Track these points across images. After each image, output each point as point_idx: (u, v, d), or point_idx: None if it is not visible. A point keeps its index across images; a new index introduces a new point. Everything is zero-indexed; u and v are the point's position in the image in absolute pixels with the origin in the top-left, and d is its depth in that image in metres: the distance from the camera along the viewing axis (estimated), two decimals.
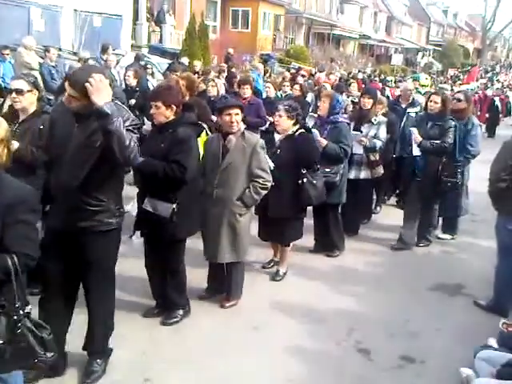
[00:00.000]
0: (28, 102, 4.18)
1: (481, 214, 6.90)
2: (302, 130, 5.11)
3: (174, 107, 3.98)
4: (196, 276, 4.91)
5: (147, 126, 5.23)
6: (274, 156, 4.92)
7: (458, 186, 6.16)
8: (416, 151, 6.05)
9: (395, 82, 18.31)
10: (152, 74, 11.45)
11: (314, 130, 5.46)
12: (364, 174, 6.41)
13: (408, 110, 7.64)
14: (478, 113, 15.60)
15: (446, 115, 6.11)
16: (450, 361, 4.01)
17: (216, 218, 4.44)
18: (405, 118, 7.50)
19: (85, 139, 3.12)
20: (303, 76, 14.42)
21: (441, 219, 6.91)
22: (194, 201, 4.19)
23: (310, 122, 5.85)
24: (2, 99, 5.50)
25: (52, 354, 2.67)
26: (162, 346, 4.05)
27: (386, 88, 14.89)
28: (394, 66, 38.15)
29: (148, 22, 20.93)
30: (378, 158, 6.49)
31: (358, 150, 6.30)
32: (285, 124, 5.05)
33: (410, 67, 42.05)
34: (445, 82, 23.68)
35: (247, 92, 7.40)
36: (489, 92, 20.03)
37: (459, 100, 6.48)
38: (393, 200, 8.37)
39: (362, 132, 6.40)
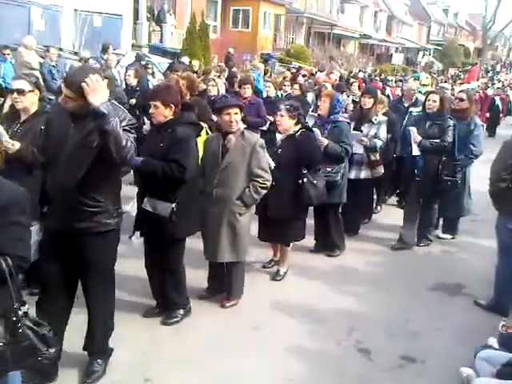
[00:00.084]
0: (29, 102, 4.18)
1: (481, 213, 6.89)
2: (304, 130, 5.11)
3: (173, 107, 3.98)
4: (196, 276, 4.91)
5: (147, 125, 5.24)
6: (274, 155, 4.92)
7: (458, 185, 6.15)
8: (415, 151, 6.05)
9: (396, 82, 18.29)
10: (152, 74, 11.45)
11: (315, 130, 5.46)
12: (364, 174, 6.41)
13: (410, 110, 7.63)
14: (479, 112, 15.58)
15: (445, 114, 6.12)
16: (450, 360, 4.01)
17: (216, 218, 4.44)
18: (406, 118, 7.49)
19: (81, 139, 3.11)
20: (304, 76, 14.42)
21: (441, 219, 6.91)
22: (193, 200, 4.19)
23: (310, 122, 5.85)
24: (3, 99, 5.50)
25: (54, 349, 2.69)
26: (163, 346, 4.05)
27: (387, 87, 14.90)
28: (395, 66, 38.12)
29: (148, 22, 20.93)
30: (378, 158, 6.49)
31: (359, 149, 6.30)
32: (286, 124, 5.05)
33: (410, 67, 42.04)
34: (445, 82, 23.62)
35: (248, 92, 7.40)
36: (489, 91, 20.00)
37: (461, 100, 6.47)
38: (393, 200, 8.37)
39: (362, 131, 6.40)
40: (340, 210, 6.07)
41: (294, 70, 18.40)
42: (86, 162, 3.11)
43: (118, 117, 3.00)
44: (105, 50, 11.54)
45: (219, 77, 10.65)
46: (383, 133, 6.49)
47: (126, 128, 3.08)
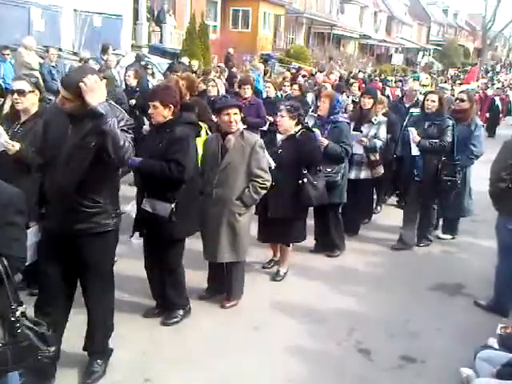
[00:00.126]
0: (30, 103, 4.17)
1: (481, 213, 6.89)
2: (304, 130, 5.11)
3: (172, 107, 3.98)
4: (196, 276, 4.91)
5: (147, 126, 5.24)
6: (275, 156, 4.92)
7: (458, 185, 6.15)
8: (415, 151, 6.05)
9: (395, 82, 18.29)
10: (152, 74, 11.45)
11: (315, 130, 5.46)
12: (364, 174, 6.42)
13: (411, 110, 7.62)
14: (478, 112, 15.58)
15: (444, 114, 6.12)
16: (450, 361, 4.01)
17: (215, 218, 4.44)
18: (407, 118, 7.49)
19: (79, 140, 3.10)
20: (304, 76, 14.42)
21: (441, 219, 6.91)
22: (192, 201, 4.18)
23: (309, 122, 5.85)
24: (3, 99, 5.49)
25: (54, 347, 2.69)
26: (163, 346, 4.05)
27: (387, 88, 14.90)
28: (395, 66, 38.14)
29: (148, 22, 20.92)
30: (378, 158, 6.49)
31: (359, 150, 6.30)
32: (287, 124, 5.05)
33: (410, 67, 42.06)
34: (445, 82, 23.62)
35: (248, 92, 7.41)
36: (489, 92, 20.00)
37: (462, 100, 6.46)
38: (393, 200, 8.36)
39: (362, 132, 6.40)
40: (340, 210, 6.07)
41: (293, 71, 18.41)
42: (84, 162, 3.11)
43: (115, 117, 2.99)
44: (104, 50, 11.54)
45: (219, 77, 10.65)
46: (383, 133, 6.49)
47: (124, 128, 3.08)
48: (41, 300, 3.43)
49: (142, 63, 11.83)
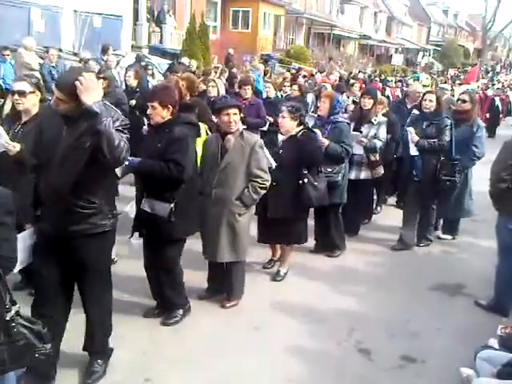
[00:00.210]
0: (30, 104, 4.16)
1: (481, 213, 6.89)
2: (305, 130, 5.12)
3: (171, 107, 3.98)
4: (196, 276, 4.92)
5: (147, 126, 5.24)
6: (276, 156, 4.93)
7: (457, 185, 6.15)
8: (413, 151, 6.05)
9: (395, 83, 18.30)
10: (152, 75, 11.45)
11: (316, 131, 5.46)
12: (364, 175, 6.42)
13: (413, 111, 7.61)
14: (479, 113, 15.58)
15: (442, 114, 6.12)
16: (450, 361, 4.01)
17: (215, 218, 4.44)
18: (408, 119, 7.47)
19: (74, 141, 3.08)
20: (304, 76, 14.42)
21: (441, 219, 6.92)
22: (191, 201, 4.18)
23: (309, 122, 5.85)
24: (2, 100, 5.49)
25: (50, 344, 2.69)
26: (163, 346, 4.05)
27: (387, 88, 14.90)
28: (395, 66, 38.15)
29: (148, 23, 20.93)
30: (378, 158, 6.49)
31: (358, 150, 6.30)
32: (288, 125, 5.06)
33: (410, 67, 42.06)
34: (445, 82, 23.62)
35: (248, 92, 7.41)
36: (489, 92, 20.00)
37: (464, 101, 6.44)
38: (393, 200, 8.37)
39: (362, 132, 6.40)
40: (340, 211, 6.07)
41: (293, 71, 18.41)
42: (79, 163, 3.09)
43: (110, 117, 2.97)
44: (105, 50, 11.53)
45: (219, 77, 10.65)
46: (383, 133, 6.49)
47: (119, 128, 3.06)
48: (37, 302, 3.41)
49: (142, 64, 11.82)
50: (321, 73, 17.67)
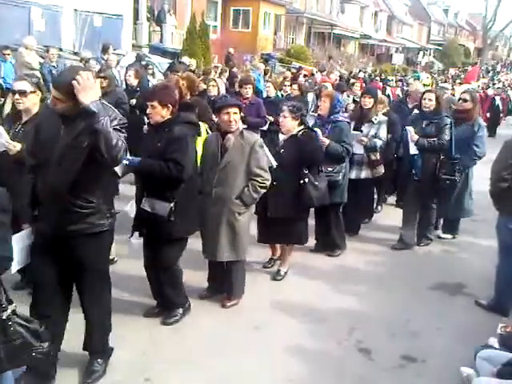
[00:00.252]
0: (31, 103, 4.15)
1: (482, 213, 6.88)
2: (306, 130, 5.12)
3: (171, 107, 3.98)
4: (196, 276, 4.92)
5: (147, 125, 5.24)
6: (277, 156, 4.92)
7: (457, 184, 6.14)
8: (413, 150, 6.05)
9: (396, 82, 18.28)
10: (153, 74, 11.45)
11: (316, 130, 5.46)
12: (365, 174, 6.41)
13: (415, 111, 7.61)
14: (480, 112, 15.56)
15: (441, 112, 6.11)
16: (450, 360, 4.01)
17: (215, 217, 4.44)
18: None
19: (71, 140, 3.07)
20: (305, 76, 14.41)
21: (442, 219, 6.91)
22: (191, 200, 4.18)
23: (310, 122, 5.85)
24: (3, 99, 5.49)
25: (48, 343, 2.68)
26: (163, 345, 4.05)
27: (387, 87, 14.89)
28: (395, 66, 38.13)
29: (149, 22, 20.95)
30: (378, 158, 6.48)
31: (359, 149, 6.30)
32: (289, 125, 5.06)
33: (410, 67, 42.05)
34: (445, 81, 23.61)
35: (249, 92, 7.41)
36: (490, 91, 19.98)
37: (465, 100, 6.43)
38: (393, 199, 8.36)
39: (362, 131, 6.40)
40: (341, 210, 6.06)
41: (294, 70, 18.40)
42: (77, 163, 3.07)
43: (108, 116, 2.96)
44: (105, 50, 11.54)
45: (219, 77, 10.65)
46: (383, 133, 6.48)
47: (117, 127, 3.05)
48: (35, 302, 3.40)
49: (143, 63, 11.82)
50: (321, 72, 17.66)
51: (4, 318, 2.52)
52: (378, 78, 21.69)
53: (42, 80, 5.09)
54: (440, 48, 53.40)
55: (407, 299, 5.08)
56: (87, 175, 3.11)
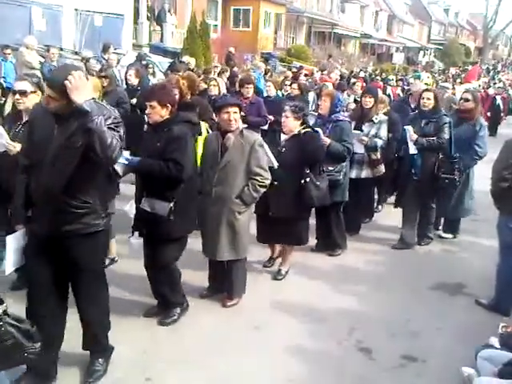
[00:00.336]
0: (31, 103, 4.11)
1: (482, 213, 6.88)
2: (308, 129, 5.12)
3: (170, 106, 3.98)
4: (197, 275, 4.93)
5: (146, 125, 5.24)
6: (278, 155, 4.92)
7: (456, 183, 6.13)
8: (412, 149, 6.04)
9: (397, 81, 18.27)
10: (153, 74, 11.44)
11: (318, 130, 5.46)
12: (365, 173, 6.41)
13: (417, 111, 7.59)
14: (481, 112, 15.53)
15: (440, 111, 6.11)
16: (451, 360, 4.00)
17: (215, 217, 4.44)
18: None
19: (65, 140, 3.04)
20: (306, 75, 14.40)
21: (442, 218, 6.91)
22: (190, 199, 4.18)
23: (310, 121, 5.84)
24: (4, 99, 5.49)
25: (39, 343, 2.66)
26: (163, 344, 4.05)
27: (388, 87, 14.87)
28: (396, 65, 38.11)
29: (149, 21, 20.94)
30: (379, 157, 6.48)
31: (359, 149, 6.30)
32: (291, 125, 5.05)
33: (411, 66, 42.02)
34: (445, 81, 23.59)
35: (250, 91, 7.41)
36: (490, 91, 19.97)
37: (467, 100, 6.42)
38: (393, 199, 8.34)
39: (362, 131, 6.40)
40: (341, 210, 6.06)
41: (295, 70, 18.40)
42: (71, 162, 3.05)
43: (102, 115, 2.94)
44: (105, 49, 11.54)
45: (220, 76, 10.65)
46: (384, 132, 6.48)
47: (111, 126, 3.02)
48: (31, 302, 3.37)
49: (143, 62, 11.83)
50: (322, 71, 17.65)
51: None
52: (378, 78, 21.68)
53: (42, 80, 5.09)
54: (441, 47, 53.38)
55: (407, 299, 5.08)
56: (81, 175, 3.09)
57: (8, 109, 4.62)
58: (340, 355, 4.10)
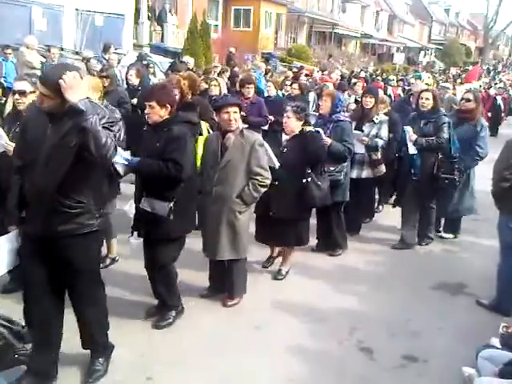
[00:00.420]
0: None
1: (483, 212, 6.86)
2: (310, 129, 5.11)
3: (169, 106, 3.97)
4: (198, 275, 4.93)
5: (146, 125, 5.24)
6: (280, 155, 4.92)
7: (456, 183, 6.13)
8: (412, 150, 6.04)
9: (397, 81, 18.26)
10: (154, 74, 11.44)
11: (319, 130, 5.46)
12: (366, 173, 6.41)
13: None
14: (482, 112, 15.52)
15: (439, 111, 6.11)
16: (452, 360, 4.00)
17: (215, 216, 4.44)
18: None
19: (59, 140, 3.02)
20: (307, 75, 14.39)
21: (443, 218, 6.90)
22: (190, 199, 4.17)
23: (311, 121, 5.85)
24: (5, 99, 5.49)
25: (30, 345, 2.64)
26: (163, 345, 4.04)
27: (388, 87, 14.86)
28: (396, 65, 38.10)
29: (150, 21, 20.94)
30: (379, 157, 6.48)
31: (360, 149, 6.30)
32: (293, 125, 5.05)
33: (411, 66, 42.00)
34: (446, 81, 23.58)
35: (251, 91, 7.41)
36: (491, 91, 19.96)
37: (468, 100, 6.42)
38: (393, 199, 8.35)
39: (363, 131, 6.40)
40: (342, 210, 6.06)
41: (295, 70, 18.39)
42: (65, 162, 3.02)
43: (96, 114, 2.93)
44: (106, 49, 11.53)
45: (221, 76, 10.64)
46: (384, 132, 6.48)
47: (106, 126, 3.01)
48: (26, 302, 3.34)
49: (144, 62, 11.82)
50: (322, 71, 17.64)
51: None
52: (379, 78, 21.66)
53: None
54: (441, 47, 53.36)
55: (408, 299, 5.07)
56: (75, 175, 3.06)
57: (8, 109, 4.61)
58: (341, 355, 4.09)
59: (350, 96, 9.89)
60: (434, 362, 4.06)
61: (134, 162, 3.94)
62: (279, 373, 3.80)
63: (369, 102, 6.45)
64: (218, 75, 10.53)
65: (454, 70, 37.99)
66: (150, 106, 3.95)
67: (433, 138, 5.93)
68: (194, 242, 4.74)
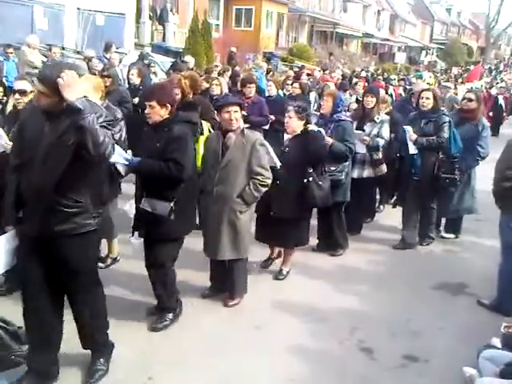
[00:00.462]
0: None
1: (484, 212, 6.85)
2: (312, 128, 5.11)
3: (169, 106, 3.97)
4: (199, 275, 4.93)
5: (146, 125, 5.24)
6: (281, 155, 4.91)
7: (457, 183, 6.12)
8: (412, 149, 6.03)
9: (399, 81, 18.25)
10: (155, 73, 11.44)
11: (320, 129, 5.46)
12: (367, 173, 6.40)
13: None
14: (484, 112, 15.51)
15: (439, 110, 6.10)
16: (453, 360, 4.00)
17: (216, 216, 4.44)
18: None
19: (56, 138, 3.00)
20: (308, 75, 14.39)
21: (444, 218, 6.90)
22: (190, 199, 4.17)
23: (312, 121, 5.84)
24: (6, 98, 5.49)
25: (27, 346, 2.63)
26: (164, 345, 4.04)
27: (390, 87, 14.85)
28: (398, 65, 38.08)
29: (151, 21, 20.95)
30: (380, 157, 6.47)
31: (361, 149, 6.29)
32: (295, 125, 5.05)
33: (413, 66, 41.99)
34: (447, 80, 23.56)
35: (252, 91, 7.40)
36: (493, 91, 19.93)
37: (470, 100, 6.40)
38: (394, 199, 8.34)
39: (364, 131, 6.39)
40: (343, 210, 6.05)
41: (296, 69, 18.39)
42: (63, 161, 3.01)
43: (94, 113, 2.91)
44: (107, 48, 11.54)
45: (222, 76, 10.64)
46: (386, 132, 6.47)
47: (104, 124, 3.00)
48: (26, 302, 3.33)
49: (145, 62, 11.83)
50: (324, 71, 17.63)
51: None
52: (380, 78, 21.65)
53: None
54: (443, 47, 53.33)
55: (409, 299, 5.07)
56: (73, 173, 3.05)
57: (9, 108, 4.62)
58: (341, 355, 4.09)
59: (351, 96, 9.89)
60: (435, 362, 4.06)
61: (135, 162, 3.94)
62: (279, 373, 3.79)
63: (370, 101, 6.44)
64: (219, 75, 10.52)
65: (455, 70, 38.03)
66: (150, 105, 3.94)
67: (433, 137, 5.93)
68: (194, 241, 4.74)
